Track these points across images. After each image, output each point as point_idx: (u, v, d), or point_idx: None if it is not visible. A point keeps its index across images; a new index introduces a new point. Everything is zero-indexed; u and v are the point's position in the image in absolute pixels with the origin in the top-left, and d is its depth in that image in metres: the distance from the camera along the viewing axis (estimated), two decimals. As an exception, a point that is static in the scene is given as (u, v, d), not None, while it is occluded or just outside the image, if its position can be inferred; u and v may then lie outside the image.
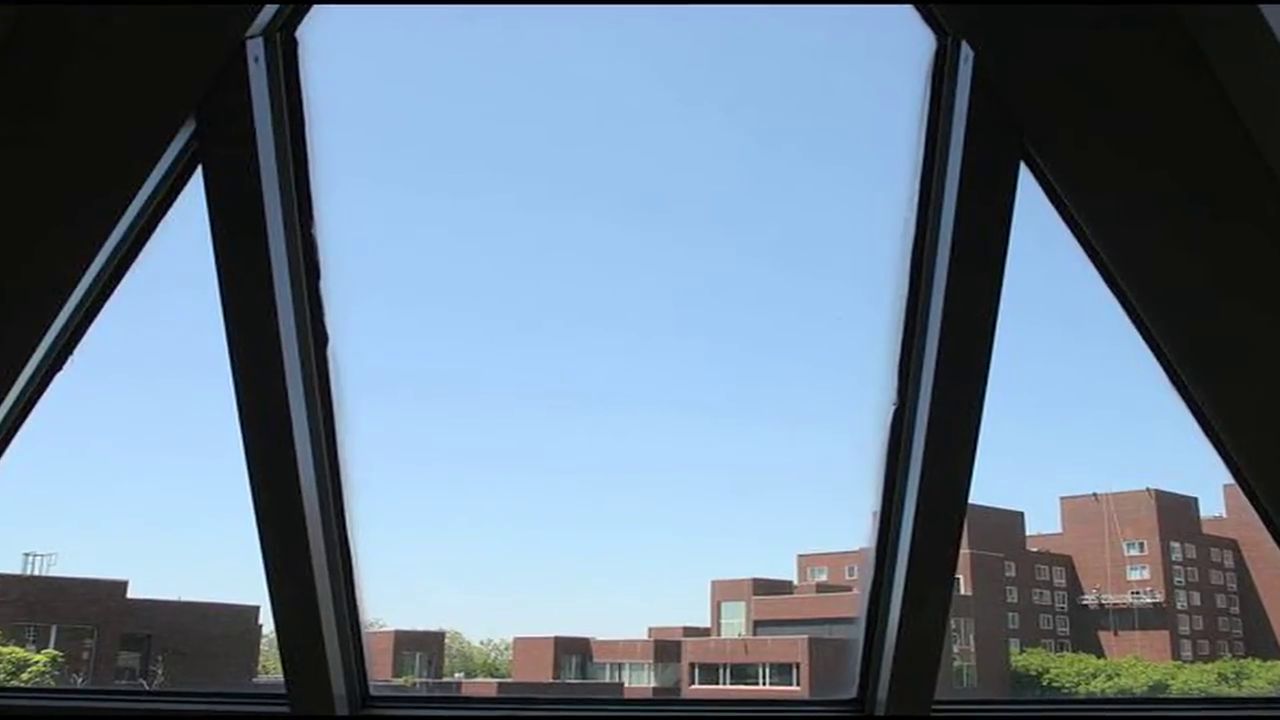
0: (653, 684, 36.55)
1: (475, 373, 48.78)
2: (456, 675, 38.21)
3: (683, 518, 49.98)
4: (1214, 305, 2.99)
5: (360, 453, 3.49)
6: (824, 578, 41.97)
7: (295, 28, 3.07)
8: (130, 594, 27.63)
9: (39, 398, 3.41)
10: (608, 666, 37.77)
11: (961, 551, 3.81)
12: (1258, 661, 42.07)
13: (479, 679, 38.55)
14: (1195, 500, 47.90)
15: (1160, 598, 45.96)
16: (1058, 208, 3.03)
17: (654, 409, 47.64)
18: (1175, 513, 47.09)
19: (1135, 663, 41.58)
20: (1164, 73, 2.74)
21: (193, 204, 3.11)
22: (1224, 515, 46.74)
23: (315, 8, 3.08)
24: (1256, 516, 3.37)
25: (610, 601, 54.44)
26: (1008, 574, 43.82)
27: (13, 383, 3.25)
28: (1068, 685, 39.78)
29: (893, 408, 3.37)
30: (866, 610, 3.55)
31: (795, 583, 42.60)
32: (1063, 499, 49.40)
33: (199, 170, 3.09)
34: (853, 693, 3.63)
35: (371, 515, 3.72)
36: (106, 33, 2.80)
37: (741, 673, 35.91)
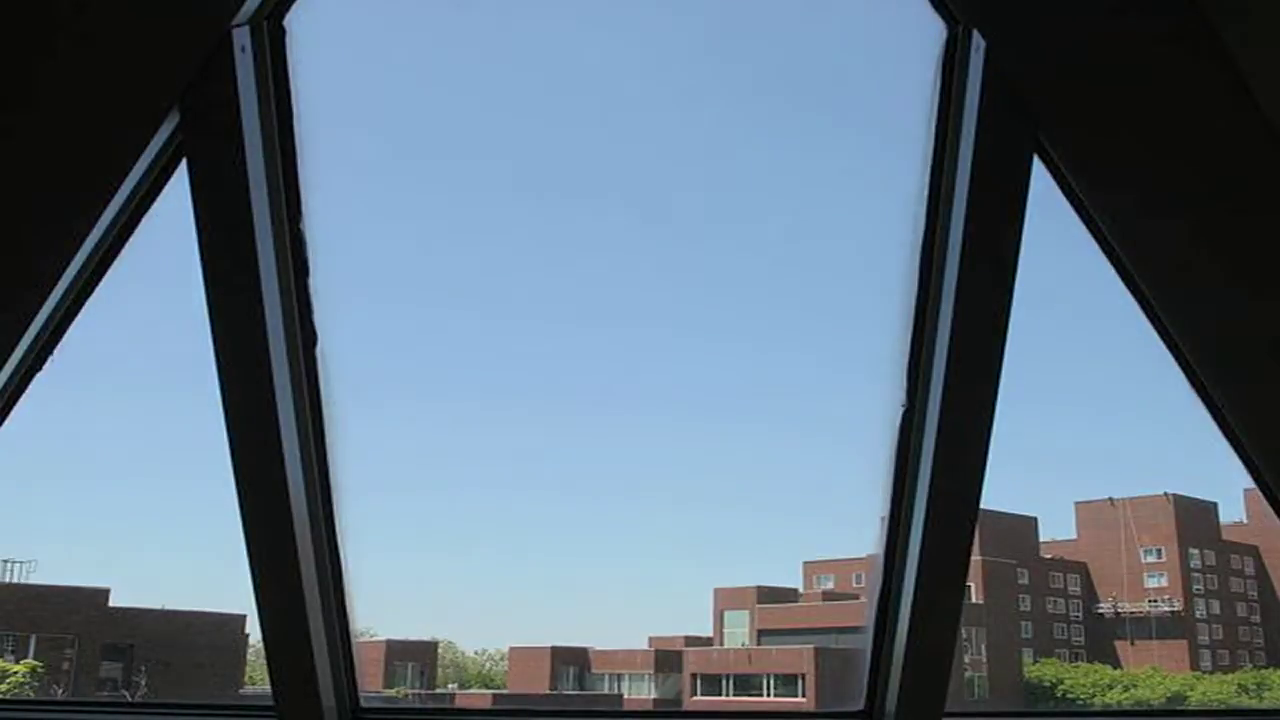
0: (653, 695, 36.40)
1: (470, 374, 48.42)
2: (450, 686, 38.09)
3: (684, 523, 49.37)
4: (1234, 303, 2.97)
5: (350, 456, 3.48)
6: (830, 585, 41.93)
7: (283, 15, 3.03)
8: (112, 602, 27.55)
9: (18, 399, 3.39)
10: (606, 677, 37.66)
11: (973, 558, 3.76)
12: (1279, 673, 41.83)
13: (473, 690, 38.34)
14: (1215, 505, 47.57)
15: (1179, 606, 45.67)
16: (1072, 202, 3.00)
17: (655, 411, 47.61)
18: (1194, 518, 46.78)
19: (1153, 673, 41.38)
20: (1183, 61, 2.68)
21: (177, 199, 3.08)
22: (1245, 520, 46.36)
23: (303, -6, 3.04)
24: (1279, 522, 3.36)
25: (609, 610, 53.99)
26: (1021, 581, 43.62)
27: (-9, 384, 3.23)
28: (1083, 697, 39.60)
29: (902, 409, 3.35)
30: (875, 619, 3.54)
31: (801, 590, 42.48)
32: (1078, 504, 49.05)
33: (183, 164, 3.05)
34: (860, 704, 3.62)
35: (361, 521, 3.71)
36: (86, 20, 2.73)
37: (745, 684, 35.77)
